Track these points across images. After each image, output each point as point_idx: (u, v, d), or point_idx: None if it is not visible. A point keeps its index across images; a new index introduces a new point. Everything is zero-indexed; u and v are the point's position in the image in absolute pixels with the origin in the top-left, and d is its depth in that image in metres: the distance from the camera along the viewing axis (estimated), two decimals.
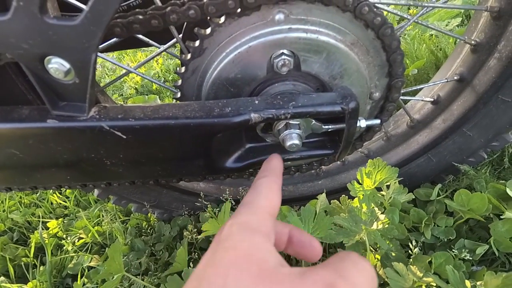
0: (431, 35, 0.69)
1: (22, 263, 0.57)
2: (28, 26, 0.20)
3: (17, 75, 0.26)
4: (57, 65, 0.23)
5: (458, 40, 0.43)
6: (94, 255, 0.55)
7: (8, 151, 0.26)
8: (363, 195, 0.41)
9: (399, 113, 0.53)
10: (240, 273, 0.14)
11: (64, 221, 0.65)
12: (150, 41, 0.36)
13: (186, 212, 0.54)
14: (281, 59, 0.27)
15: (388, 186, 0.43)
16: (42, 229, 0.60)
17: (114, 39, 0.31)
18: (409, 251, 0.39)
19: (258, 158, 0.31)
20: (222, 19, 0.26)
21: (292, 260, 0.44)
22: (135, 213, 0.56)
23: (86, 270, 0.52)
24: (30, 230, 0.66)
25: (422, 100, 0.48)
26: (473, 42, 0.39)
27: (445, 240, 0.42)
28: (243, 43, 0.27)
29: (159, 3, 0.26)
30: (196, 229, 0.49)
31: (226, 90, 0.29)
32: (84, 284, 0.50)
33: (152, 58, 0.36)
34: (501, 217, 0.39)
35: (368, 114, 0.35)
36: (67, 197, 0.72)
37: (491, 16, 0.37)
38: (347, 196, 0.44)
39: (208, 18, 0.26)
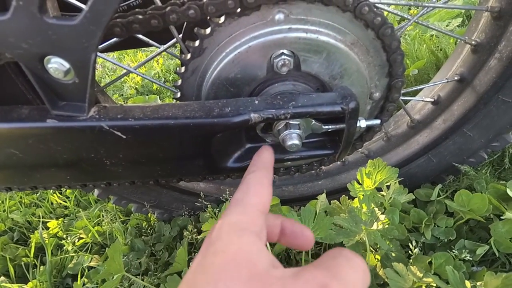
0: (432, 35, 0.69)
1: (22, 263, 0.57)
2: (27, 25, 0.20)
3: (17, 75, 0.26)
4: (56, 65, 0.23)
5: (458, 40, 0.43)
6: (94, 255, 0.55)
7: (8, 151, 0.26)
8: (363, 195, 0.41)
9: (399, 113, 0.53)
10: (230, 278, 0.13)
11: (64, 221, 0.65)
12: (150, 41, 0.36)
13: (186, 212, 0.54)
14: (281, 59, 0.27)
15: (388, 187, 0.43)
16: (42, 229, 0.60)
17: (114, 39, 0.32)
18: (409, 251, 0.39)
19: None
20: (222, 19, 0.26)
21: (291, 260, 0.44)
22: (135, 213, 0.56)
23: (86, 270, 0.52)
24: (31, 230, 0.66)
25: (422, 101, 0.48)
26: (473, 42, 0.39)
27: (445, 240, 0.42)
28: (243, 43, 0.27)
29: (159, 3, 0.26)
30: (196, 229, 0.49)
31: (226, 90, 0.29)
32: (84, 284, 0.50)
33: (152, 58, 0.36)
34: (502, 217, 0.39)
35: (368, 114, 0.35)
36: (68, 197, 0.72)
37: (491, 16, 0.37)
38: (347, 197, 0.44)
39: (208, 18, 0.26)
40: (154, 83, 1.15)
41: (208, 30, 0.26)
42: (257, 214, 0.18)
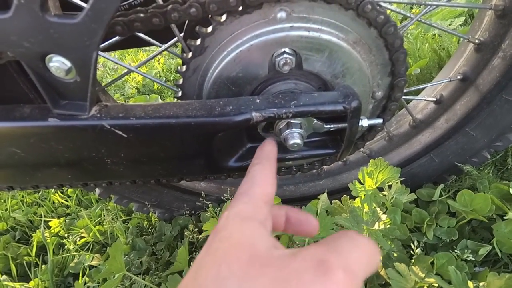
0: (434, 34, 0.68)
1: (24, 262, 0.57)
2: (29, 24, 0.20)
3: (19, 74, 0.26)
4: (58, 64, 0.23)
5: (461, 39, 0.42)
6: (96, 254, 0.55)
7: (10, 150, 0.26)
8: (364, 195, 0.41)
9: (401, 112, 0.52)
10: (232, 260, 0.14)
11: (66, 220, 0.66)
12: (152, 40, 0.36)
13: (187, 212, 0.54)
14: (283, 58, 0.27)
15: (390, 186, 0.42)
16: (44, 228, 0.61)
17: (116, 38, 0.31)
18: (411, 251, 0.38)
19: None
20: (224, 17, 0.26)
21: None
22: (136, 212, 0.56)
23: (88, 269, 0.52)
24: (32, 229, 0.66)
25: (424, 100, 0.47)
26: (477, 41, 0.39)
27: (448, 240, 0.42)
28: (245, 41, 0.26)
29: (161, 1, 0.26)
30: (197, 229, 0.49)
31: (227, 89, 0.29)
32: (85, 283, 0.50)
33: (154, 57, 0.36)
34: (504, 217, 0.39)
35: (370, 113, 0.34)
36: (69, 196, 0.73)
37: (495, 15, 0.37)
38: (348, 196, 0.44)
39: (210, 16, 0.25)
40: (155, 83, 1.15)
41: (209, 29, 0.26)
42: (261, 204, 0.18)
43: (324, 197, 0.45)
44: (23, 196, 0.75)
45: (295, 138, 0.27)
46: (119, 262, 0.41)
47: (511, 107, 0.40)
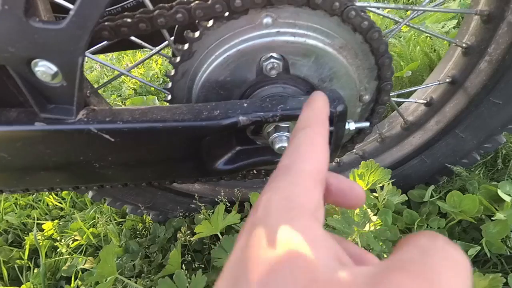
0: (427, 37, 0.69)
1: (16, 265, 0.57)
2: (13, 29, 0.20)
3: (8, 77, 0.26)
4: (44, 68, 0.23)
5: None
6: (89, 257, 0.55)
7: None
8: None
9: (393, 114, 0.53)
10: (283, 282, 0.10)
11: (60, 223, 0.65)
12: (143, 43, 0.36)
13: (181, 214, 0.54)
14: (270, 62, 0.27)
15: (382, 188, 0.43)
16: (37, 231, 0.60)
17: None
18: None
19: (249, 160, 0.31)
20: (211, 22, 0.26)
21: None
22: (130, 214, 0.56)
23: (80, 272, 0.52)
24: (25, 232, 0.66)
25: (415, 102, 0.48)
26: (464, 45, 0.40)
27: None
28: (232, 46, 0.27)
29: (151, 7, 0.26)
30: (190, 231, 0.49)
31: (216, 93, 0.29)
32: (78, 287, 0.50)
33: (145, 60, 0.36)
34: (492, 218, 0.39)
35: (359, 116, 0.35)
36: (63, 199, 0.72)
37: (481, 20, 0.37)
38: None
39: (197, 21, 0.26)
40: (152, 83, 1.15)
41: (197, 34, 0.26)
42: (311, 185, 0.13)
43: None
44: (16, 199, 0.74)
45: (282, 141, 0.27)
46: (111, 265, 0.41)
47: (498, 109, 0.40)
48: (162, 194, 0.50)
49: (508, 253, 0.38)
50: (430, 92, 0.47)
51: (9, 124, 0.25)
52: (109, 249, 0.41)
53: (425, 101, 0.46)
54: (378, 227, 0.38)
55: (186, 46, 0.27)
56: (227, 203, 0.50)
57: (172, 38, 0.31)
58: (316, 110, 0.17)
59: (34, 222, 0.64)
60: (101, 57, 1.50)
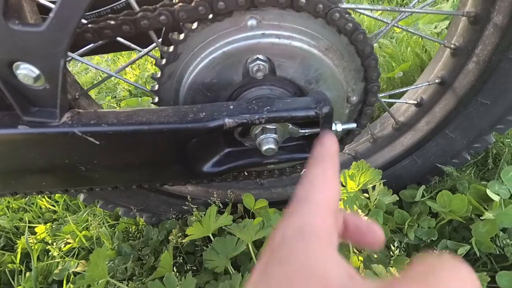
0: (419, 37, 0.70)
1: (8, 269, 0.56)
2: None
3: None
4: (26, 71, 0.22)
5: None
6: (81, 260, 0.54)
7: None
8: (347, 197, 0.41)
9: (385, 115, 0.53)
10: None
11: (53, 226, 0.64)
12: (132, 45, 0.36)
13: (174, 216, 0.53)
14: (256, 64, 0.27)
15: (374, 188, 0.43)
16: (30, 235, 0.60)
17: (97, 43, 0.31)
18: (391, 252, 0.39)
19: (237, 162, 0.31)
20: (195, 24, 0.26)
21: None
22: (123, 217, 0.56)
23: (72, 276, 0.52)
24: (18, 236, 0.65)
25: (406, 103, 0.48)
26: (452, 46, 0.40)
27: (428, 241, 0.42)
28: (217, 48, 0.27)
29: (137, 9, 0.26)
30: (182, 233, 0.49)
31: (203, 95, 0.29)
32: None
33: (133, 62, 0.36)
34: (481, 218, 0.40)
35: (347, 117, 0.35)
36: (57, 201, 0.71)
37: (468, 21, 0.38)
38: None
39: (181, 23, 0.26)
40: (147, 85, 1.15)
41: (181, 36, 0.26)
42: (325, 214, 0.15)
43: None
44: (9, 202, 0.74)
45: (269, 143, 0.27)
46: (102, 268, 0.41)
47: (486, 109, 0.41)
48: (155, 196, 0.50)
49: (498, 252, 0.39)
50: (420, 93, 0.47)
51: None
52: (100, 253, 0.41)
53: (416, 102, 0.46)
54: None
55: (171, 48, 0.27)
56: (220, 205, 0.50)
57: (160, 40, 0.31)
58: (326, 148, 0.20)
59: (26, 226, 0.64)
60: (97, 58, 1.49)
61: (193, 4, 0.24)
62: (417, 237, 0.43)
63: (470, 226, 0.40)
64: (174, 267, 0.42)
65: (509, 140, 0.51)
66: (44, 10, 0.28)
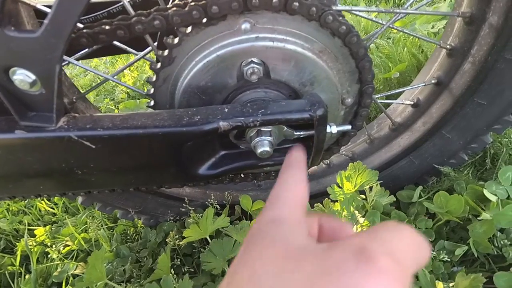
0: (415, 38, 0.70)
1: (8, 271, 0.56)
2: None
3: None
4: (22, 77, 0.23)
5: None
6: (80, 263, 0.54)
7: None
8: (343, 198, 0.41)
9: (382, 116, 0.53)
10: (267, 258, 0.13)
11: (52, 228, 0.65)
12: (128, 48, 0.36)
13: (172, 218, 0.53)
14: (250, 67, 0.27)
15: (371, 189, 0.43)
16: (29, 237, 0.60)
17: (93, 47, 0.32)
18: None
19: (233, 164, 0.31)
20: (189, 29, 0.26)
21: None
22: (121, 219, 0.56)
23: (71, 278, 0.52)
24: (17, 238, 0.65)
25: (402, 103, 0.48)
26: (448, 46, 0.40)
27: None
28: (211, 52, 0.27)
29: (133, 13, 0.26)
30: (180, 235, 0.49)
31: (198, 98, 0.29)
32: None
33: (129, 65, 0.36)
34: (479, 218, 0.40)
35: (343, 119, 0.35)
36: (56, 204, 0.72)
37: (464, 22, 0.38)
38: (330, 200, 0.44)
39: (175, 28, 0.26)
40: (145, 87, 1.15)
41: (176, 40, 0.27)
42: (294, 207, 0.17)
43: None
44: (8, 205, 0.74)
45: (264, 146, 0.28)
46: (100, 270, 0.41)
47: (483, 110, 0.41)
48: (152, 198, 0.50)
49: (495, 253, 0.39)
50: (417, 94, 0.47)
51: None
52: (98, 255, 0.41)
53: (412, 102, 0.47)
54: (365, 229, 0.38)
55: (166, 52, 0.27)
56: (218, 207, 0.50)
57: (156, 43, 0.31)
58: (295, 157, 0.23)
59: (25, 228, 0.64)
60: (95, 60, 1.50)
61: (187, 8, 0.24)
62: None
63: (468, 227, 0.40)
64: (172, 269, 0.42)
65: (507, 140, 0.51)
66: (41, 15, 0.28)
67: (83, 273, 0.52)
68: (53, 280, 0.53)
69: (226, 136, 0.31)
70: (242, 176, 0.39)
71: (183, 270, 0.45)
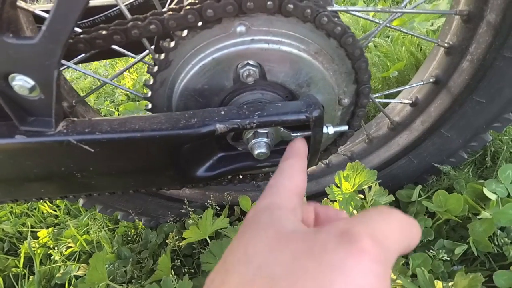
0: (413, 36, 0.69)
1: (12, 273, 0.57)
2: None
3: None
4: (21, 82, 0.23)
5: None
6: (82, 264, 0.55)
7: None
8: (342, 198, 0.41)
9: (380, 115, 0.53)
10: (259, 239, 0.14)
11: (55, 230, 0.65)
12: (126, 52, 0.36)
13: (171, 219, 0.54)
14: (246, 70, 0.27)
15: (370, 188, 0.43)
16: (32, 239, 0.61)
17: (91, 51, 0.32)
18: None
19: (230, 166, 0.32)
20: (185, 32, 0.26)
21: None
22: (122, 221, 0.56)
23: (74, 279, 0.52)
24: (21, 240, 0.66)
25: (401, 103, 0.48)
26: (446, 45, 0.40)
27: (425, 241, 0.42)
28: (207, 55, 0.27)
29: (130, 17, 0.26)
30: (180, 236, 0.49)
31: (195, 101, 0.30)
32: None
33: (127, 69, 0.36)
34: (478, 217, 0.40)
35: (340, 119, 0.35)
36: (58, 206, 0.73)
37: (461, 20, 0.37)
38: (329, 200, 0.44)
39: (171, 31, 0.26)
40: (145, 89, 1.16)
41: (172, 43, 0.27)
42: (290, 195, 0.18)
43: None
44: (11, 207, 0.75)
45: (261, 147, 0.28)
46: (101, 272, 0.41)
47: (482, 108, 0.41)
48: (153, 200, 0.50)
49: (496, 251, 0.38)
50: (415, 92, 0.47)
51: None
52: (99, 256, 0.42)
53: (411, 101, 0.46)
54: None
55: (162, 55, 0.28)
56: (217, 207, 0.50)
57: (153, 47, 0.31)
58: (295, 148, 0.23)
59: (29, 230, 0.65)
60: (95, 63, 1.51)
61: (182, 12, 0.24)
62: None
63: (467, 226, 0.40)
64: (172, 270, 0.42)
65: (508, 138, 0.51)
66: (40, 20, 0.28)
67: (85, 275, 0.52)
68: (56, 281, 0.54)
69: (223, 138, 0.31)
70: (241, 177, 0.39)
71: (184, 271, 0.45)
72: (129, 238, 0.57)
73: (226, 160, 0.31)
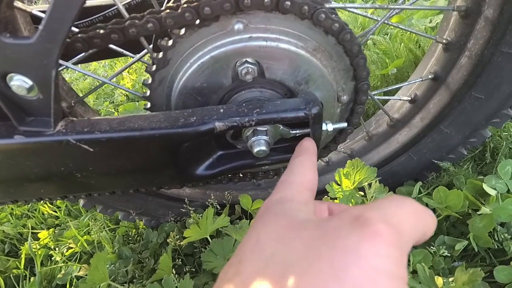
0: (411, 33, 0.69)
1: (13, 275, 0.57)
2: None
3: None
4: (19, 82, 0.23)
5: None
6: (83, 265, 0.55)
7: None
8: (342, 196, 0.41)
9: (380, 112, 0.53)
10: (270, 230, 0.14)
11: (55, 231, 0.66)
12: (124, 51, 0.36)
13: (172, 218, 0.54)
14: (245, 67, 0.27)
15: (370, 186, 0.43)
16: (33, 240, 0.61)
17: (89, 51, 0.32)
18: None
19: (230, 164, 0.32)
20: (183, 30, 0.26)
21: None
22: (123, 221, 0.56)
23: (75, 280, 0.53)
24: (22, 242, 0.66)
25: (400, 99, 0.48)
26: (444, 41, 0.40)
27: None
28: (205, 53, 0.27)
29: (127, 16, 0.26)
30: (181, 235, 0.49)
31: (194, 99, 0.30)
32: None
33: (125, 69, 0.36)
34: (478, 213, 0.40)
35: (339, 116, 0.35)
36: (59, 207, 0.73)
37: (459, 15, 0.37)
38: (329, 197, 0.44)
39: (169, 30, 0.26)
40: (144, 89, 1.15)
41: (170, 42, 0.27)
42: (301, 189, 0.18)
43: None
44: (12, 209, 0.75)
45: (260, 145, 0.28)
46: (102, 272, 0.41)
47: (481, 104, 0.41)
48: (153, 199, 0.50)
49: (496, 247, 0.39)
50: (414, 89, 0.47)
51: None
52: (100, 256, 0.42)
53: (410, 98, 0.46)
54: None
55: (160, 54, 0.28)
56: (218, 206, 0.50)
57: (151, 46, 0.31)
58: (305, 146, 0.24)
59: (29, 232, 0.65)
60: (94, 63, 1.50)
61: (179, 10, 0.24)
62: None
63: (468, 221, 0.40)
64: (174, 269, 0.42)
65: (507, 133, 0.51)
66: (38, 21, 0.28)
67: (86, 275, 0.53)
68: (57, 282, 0.54)
69: (222, 136, 0.31)
70: (241, 175, 0.39)
71: (185, 270, 0.45)
72: (130, 238, 0.57)
73: (225, 158, 0.31)
